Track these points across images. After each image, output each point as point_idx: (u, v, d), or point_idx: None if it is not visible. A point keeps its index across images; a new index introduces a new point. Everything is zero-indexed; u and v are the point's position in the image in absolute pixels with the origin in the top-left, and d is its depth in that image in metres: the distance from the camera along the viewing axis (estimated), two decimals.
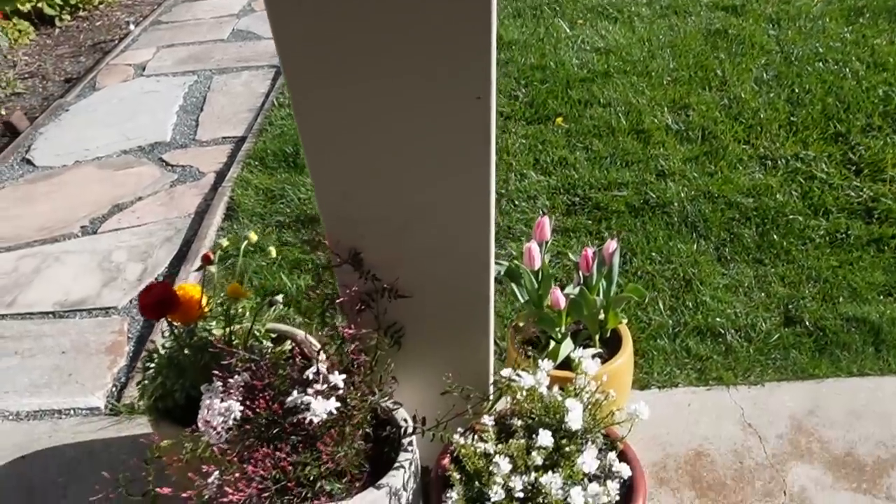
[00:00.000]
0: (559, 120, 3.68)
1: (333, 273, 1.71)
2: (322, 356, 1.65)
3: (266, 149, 3.77)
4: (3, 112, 4.83)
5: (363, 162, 1.51)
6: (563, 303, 1.85)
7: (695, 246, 2.87)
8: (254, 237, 1.98)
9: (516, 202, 3.17)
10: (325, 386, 1.54)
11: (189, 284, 1.88)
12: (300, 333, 2.09)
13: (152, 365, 1.90)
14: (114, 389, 2.62)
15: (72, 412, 2.54)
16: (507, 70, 4.22)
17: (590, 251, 1.90)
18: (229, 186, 3.58)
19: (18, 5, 6.16)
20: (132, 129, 4.32)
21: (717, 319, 2.54)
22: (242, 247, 1.93)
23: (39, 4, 6.31)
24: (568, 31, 4.65)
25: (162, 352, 1.90)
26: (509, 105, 3.88)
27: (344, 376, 1.55)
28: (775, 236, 2.87)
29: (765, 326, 2.51)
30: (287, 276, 2.90)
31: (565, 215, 3.09)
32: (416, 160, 1.49)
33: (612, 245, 1.93)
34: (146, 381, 1.91)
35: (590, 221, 3.04)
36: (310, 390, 1.54)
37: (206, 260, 1.90)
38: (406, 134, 1.46)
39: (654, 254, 2.84)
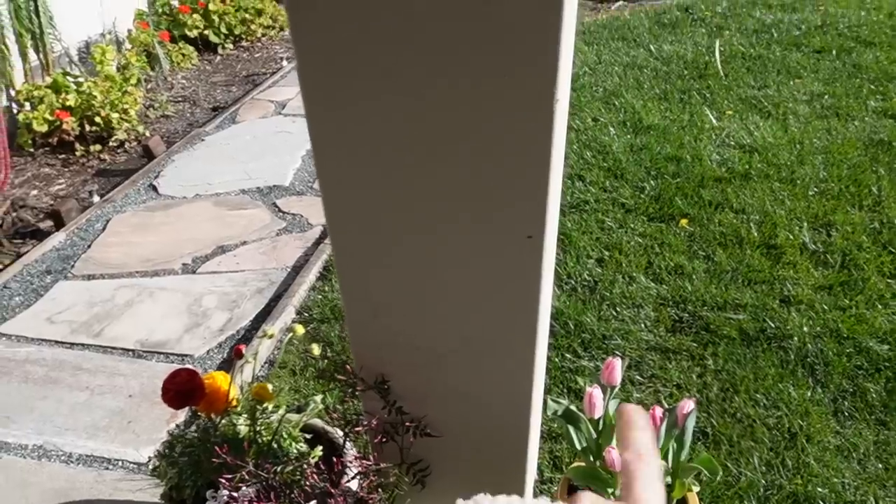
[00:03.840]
0: (684, 221, 3.41)
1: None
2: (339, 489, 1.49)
3: None
4: (148, 133, 5.01)
5: (398, 284, 1.35)
6: (619, 465, 1.62)
7: (809, 393, 2.53)
8: (300, 330, 1.85)
9: (617, 309, 2.92)
10: None
11: (218, 373, 1.77)
12: (339, 436, 1.95)
13: (173, 454, 1.80)
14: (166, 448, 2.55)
15: (119, 464, 2.49)
16: (640, 157, 3.98)
17: (658, 411, 1.65)
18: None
19: (187, 31, 6.45)
20: (256, 169, 4.36)
21: (819, 489, 2.20)
22: (286, 340, 1.80)
23: (206, 32, 6.58)
24: (714, 121, 4.35)
25: (183, 440, 1.79)
26: (633, 197, 3.63)
27: None
28: None
29: None
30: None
31: (669, 332, 2.82)
32: (457, 292, 1.32)
33: (687, 405, 1.68)
34: (163, 466, 1.81)
35: (695, 344, 2.75)
36: None
37: (238, 354, 1.78)
38: (448, 260, 1.29)
39: (759, 394, 2.52)
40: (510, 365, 1.35)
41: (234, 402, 1.78)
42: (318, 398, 1.86)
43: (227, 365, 2.90)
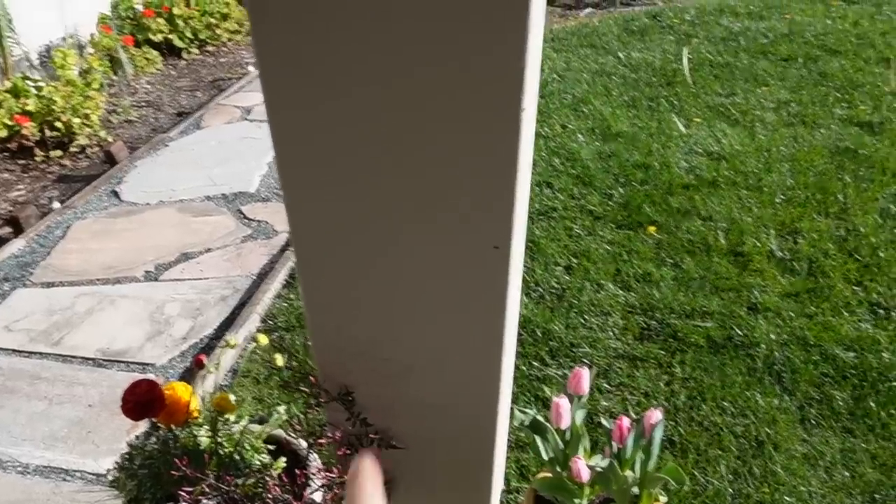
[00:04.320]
0: (651, 229, 3.41)
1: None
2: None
3: None
4: (111, 139, 4.92)
5: (363, 294, 1.32)
6: (585, 476, 1.60)
7: (776, 401, 2.53)
8: (263, 340, 1.81)
9: (585, 317, 2.91)
10: None
11: (179, 384, 1.72)
12: (303, 446, 1.90)
13: (133, 465, 1.75)
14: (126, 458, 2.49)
15: (78, 475, 2.43)
16: (608, 165, 3.98)
17: (626, 422, 1.63)
18: None
19: (151, 35, 6.36)
20: (221, 175, 4.30)
21: (787, 498, 2.20)
22: (250, 349, 1.76)
23: (171, 36, 6.50)
24: (682, 129, 4.37)
25: (142, 452, 1.74)
26: (601, 205, 3.63)
27: None
28: (873, 404, 2.51)
29: None
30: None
31: (637, 340, 2.81)
32: (423, 302, 1.29)
33: (654, 416, 1.66)
34: (122, 478, 1.76)
35: (662, 352, 2.74)
36: None
37: (199, 364, 1.74)
38: (413, 270, 1.26)
39: (726, 402, 2.52)
40: (477, 375, 1.32)
41: (196, 414, 1.73)
42: (282, 409, 1.82)
43: (190, 374, 2.84)
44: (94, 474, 2.43)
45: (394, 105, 1.08)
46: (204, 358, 1.75)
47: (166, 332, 3.05)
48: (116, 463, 1.85)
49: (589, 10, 7.62)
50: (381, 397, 1.41)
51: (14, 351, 2.99)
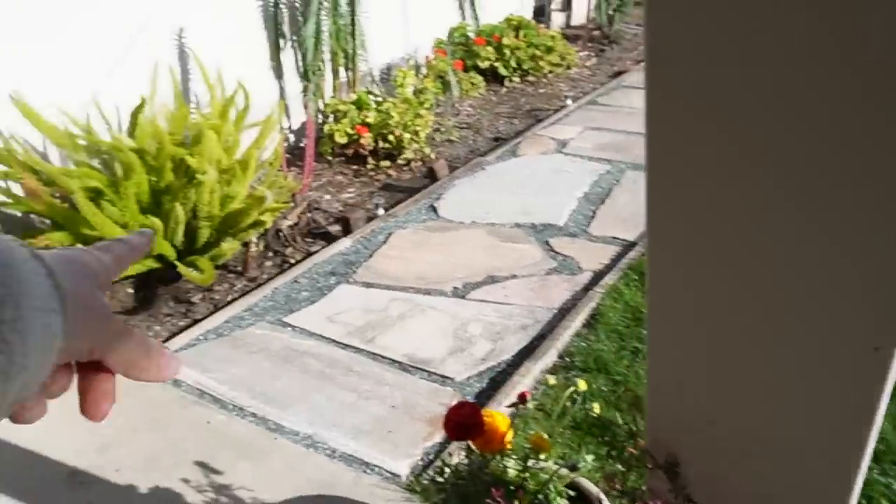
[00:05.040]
0: None
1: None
2: None
3: None
4: (433, 156, 5.27)
5: (713, 366, 1.31)
6: None
7: None
8: (582, 386, 1.85)
9: None
10: None
11: (498, 413, 1.81)
12: (601, 497, 1.92)
13: (440, 480, 1.86)
14: (420, 463, 2.65)
15: (376, 470, 2.62)
16: None
17: None
18: (600, 292, 3.50)
19: (479, 62, 6.73)
20: (532, 205, 4.44)
21: None
22: (566, 394, 1.81)
23: (496, 64, 6.83)
24: None
25: (455, 471, 1.85)
26: None
27: None
28: None
29: None
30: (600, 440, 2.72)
31: None
32: (778, 389, 1.25)
33: None
34: (431, 488, 1.88)
35: None
36: None
37: (522, 399, 1.81)
38: (775, 354, 1.23)
39: None
40: (825, 477, 1.26)
41: (508, 445, 1.81)
42: (590, 458, 1.85)
43: (486, 394, 2.96)
44: (390, 472, 2.61)
45: (799, 178, 1.06)
46: (528, 394, 1.82)
47: (467, 350, 3.20)
48: (427, 473, 1.98)
49: None
50: (711, 478, 1.39)
51: (333, 341, 3.29)
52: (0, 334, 0.40)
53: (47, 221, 3.63)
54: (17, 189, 3.49)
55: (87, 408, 0.53)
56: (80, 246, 0.55)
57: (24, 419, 0.48)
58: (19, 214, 3.70)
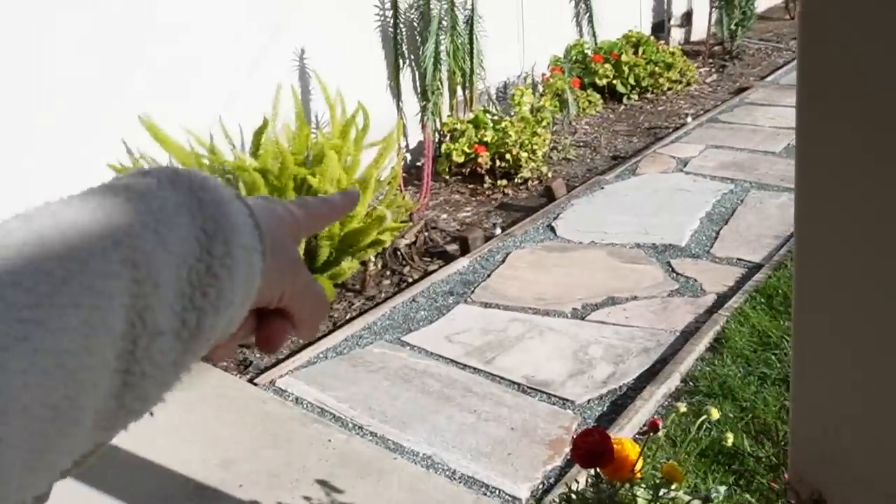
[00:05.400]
0: None
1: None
2: None
3: (778, 287, 3.46)
4: (550, 175, 5.22)
5: (866, 406, 1.22)
6: None
7: None
8: (715, 414, 1.77)
9: None
10: None
11: (627, 440, 1.74)
12: None
13: None
14: (540, 487, 2.60)
15: (496, 493, 2.58)
16: None
17: None
18: (725, 315, 3.37)
19: (596, 79, 6.65)
20: (652, 225, 4.34)
21: None
22: (698, 422, 1.73)
23: (614, 81, 6.73)
24: None
25: (583, 499, 1.80)
26: None
27: None
28: None
29: None
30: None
31: None
32: None
33: None
34: None
35: None
36: None
37: (654, 427, 1.74)
38: None
39: None
40: None
41: (638, 474, 1.75)
42: (722, 489, 1.76)
43: (607, 418, 2.89)
44: (510, 496, 2.57)
45: None
46: (659, 422, 1.75)
47: (588, 373, 3.13)
48: (548, 498, 1.94)
49: None
50: None
51: (451, 361, 3.28)
52: (211, 269, 0.42)
53: None
54: None
55: (262, 342, 0.53)
56: (272, 197, 0.55)
57: (216, 357, 0.49)
58: None
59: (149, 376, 0.39)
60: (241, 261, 0.44)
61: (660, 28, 8.02)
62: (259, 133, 3.89)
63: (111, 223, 0.39)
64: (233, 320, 0.45)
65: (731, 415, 2.80)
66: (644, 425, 2.80)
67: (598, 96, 6.62)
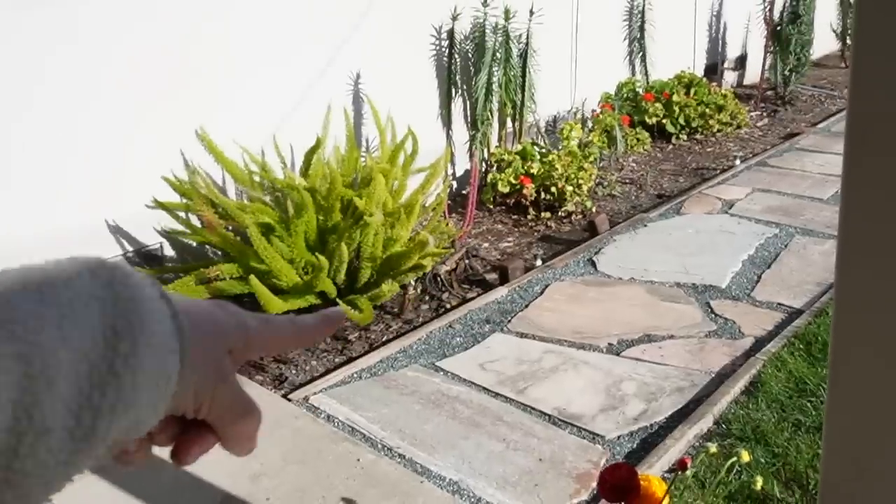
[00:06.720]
0: None
1: None
2: None
3: (818, 334, 3.43)
4: (594, 210, 5.23)
5: None
6: None
7: None
8: (745, 457, 1.77)
9: None
10: None
11: (655, 478, 1.75)
12: None
13: None
14: None
15: None
16: None
17: None
18: (762, 359, 3.34)
19: (646, 118, 6.66)
20: (694, 265, 4.32)
21: None
22: (727, 465, 1.73)
23: (664, 121, 6.74)
24: None
25: None
26: None
27: None
28: None
29: None
30: None
31: None
32: None
33: None
34: None
35: None
36: None
37: (682, 466, 1.75)
38: None
39: None
40: None
41: None
42: None
43: (636, 455, 2.88)
44: None
45: None
46: (688, 461, 1.75)
47: (620, 409, 3.13)
48: None
49: None
50: None
51: (484, 388, 3.30)
52: (113, 367, 0.40)
53: (219, 253, 3.86)
54: (194, 220, 3.74)
55: (173, 452, 0.51)
56: (228, 304, 0.54)
57: (125, 462, 0.47)
58: (194, 244, 3.97)
59: (31, 475, 0.38)
60: (149, 361, 0.42)
61: (713, 70, 8.02)
62: (311, 153, 3.98)
63: (12, 315, 0.38)
64: (139, 423, 0.43)
65: (762, 460, 2.78)
66: (673, 464, 2.79)
67: (646, 134, 6.63)
